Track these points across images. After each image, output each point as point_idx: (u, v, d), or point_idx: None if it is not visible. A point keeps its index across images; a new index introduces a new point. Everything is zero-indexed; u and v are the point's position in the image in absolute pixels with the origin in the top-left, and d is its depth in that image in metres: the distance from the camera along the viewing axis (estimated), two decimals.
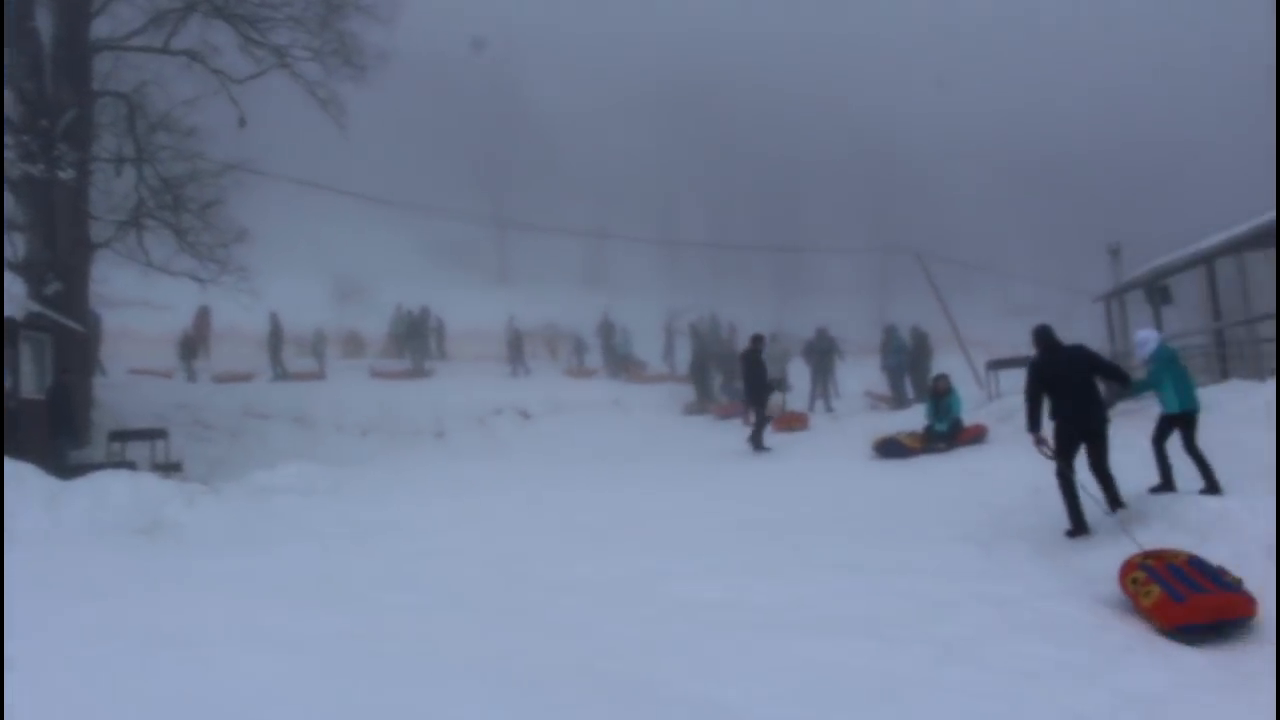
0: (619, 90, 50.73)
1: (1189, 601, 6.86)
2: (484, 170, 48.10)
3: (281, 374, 25.92)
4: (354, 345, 32.75)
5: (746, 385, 18.14)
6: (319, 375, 26.30)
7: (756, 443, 17.14)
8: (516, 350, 28.46)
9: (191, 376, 25.67)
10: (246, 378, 24.89)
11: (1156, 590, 7.07)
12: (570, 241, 42.07)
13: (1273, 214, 15.57)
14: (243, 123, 20.84)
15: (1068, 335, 10.45)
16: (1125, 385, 10.09)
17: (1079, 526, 9.19)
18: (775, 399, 18.69)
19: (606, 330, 30.52)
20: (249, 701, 5.08)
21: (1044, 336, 9.84)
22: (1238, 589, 6.91)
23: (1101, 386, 9.84)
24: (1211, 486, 9.35)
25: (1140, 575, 7.34)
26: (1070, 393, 9.43)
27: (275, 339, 26.56)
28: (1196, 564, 7.28)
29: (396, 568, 9.00)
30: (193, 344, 26.95)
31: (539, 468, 17.08)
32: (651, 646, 6.55)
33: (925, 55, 51.19)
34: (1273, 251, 15.89)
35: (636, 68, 50.51)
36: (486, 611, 7.46)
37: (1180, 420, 9.76)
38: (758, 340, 18.35)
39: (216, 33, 20.52)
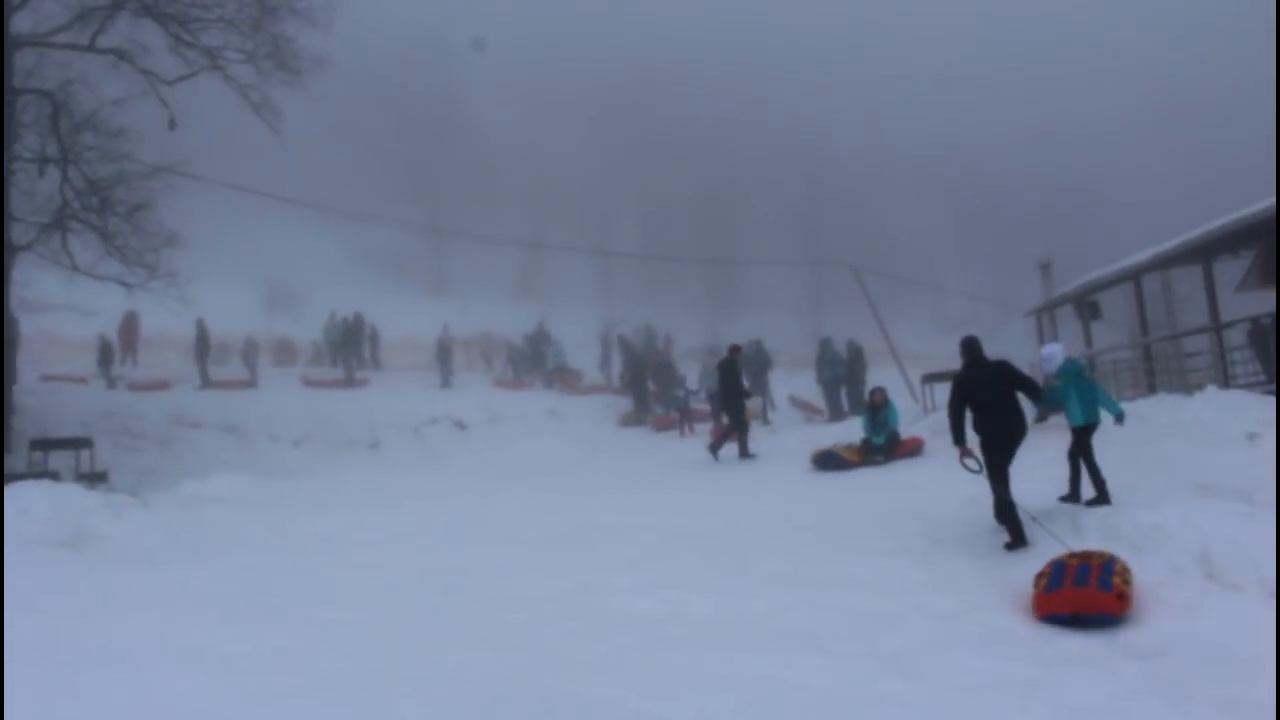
0: (556, 102, 50.78)
1: (1060, 593, 7.34)
2: (420, 179, 47.79)
3: (207, 382, 25.38)
4: (286, 353, 32.23)
5: (724, 394, 18.16)
6: (250, 383, 25.82)
7: (743, 450, 17.17)
8: (445, 360, 28.18)
9: (110, 384, 25.05)
10: (164, 386, 24.27)
11: (1044, 583, 7.57)
12: (506, 251, 41.94)
13: (1184, 237, 16.00)
14: (173, 124, 20.39)
15: (1000, 349, 10.65)
16: (1036, 400, 10.26)
17: (1018, 539, 9.29)
18: (754, 404, 18.74)
19: (540, 340, 30.39)
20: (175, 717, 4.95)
21: (970, 348, 10.01)
22: (1109, 589, 7.24)
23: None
24: (1102, 497, 9.86)
25: (1046, 569, 7.77)
26: (991, 405, 9.63)
27: (202, 346, 26.01)
28: (1107, 565, 7.55)
29: (333, 581, 8.84)
30: (112, 350, 26.30)
31: (476, 479, 16.94)
32: (595, 662, 6.50)
33: (860, 72, 51.79)
34: (1198, 269, 16.29)
35: (574, 81, 50.58)
36: (427, 627, 7.34)
37: (1085, 432, 10.16)
38: (735, 350, 18.41)
39: (146, 32, 20.02)
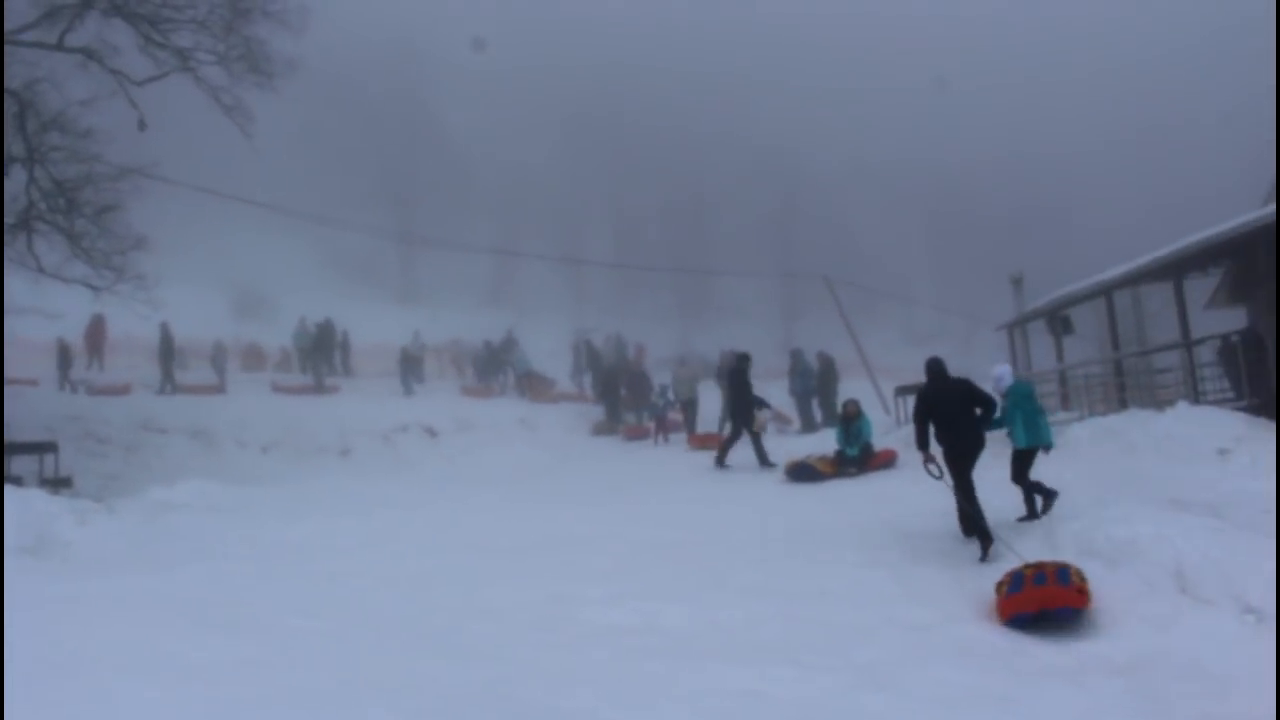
0: (529, 110, 50.73)
1: (1022, 593, 7.53)
2: (392, 185, 47.65)
3: (171, 387, 25.07)
4: (254, 358, 31.95)
5: (733, 403, 18.00)
6: (218, 389, 25.56)
7: (762, 459, 16.92)
8: (408, 367, 28.00)
9: (69, 387, 24.70)
10: (125, 390, 23.97)
11: (1004, 589, 7.75)
12: (476, 259, 41.77)
13: (1146, 260, 16.15)
14: (143, 125, 20.15)
15: (969, 365, 10.83)
16: (986, 420, 10.36)
17: (987, 543, 9.55)
18: (764, 414, 18.60)
19: (507, 347, 30.27)
20: None
21: (934, 368, 10.60)
22: (1068, 584, 7.50)
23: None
24: (1031, 514, 10.25)
25: (1005, 579, 7.94)
26: (951, 420, 10.12)
27: (166, 350, 25.69)
28: (1061, 572, 7.74)
29: (303, 590, 8.72)
30: (70, 354, 25.96)
31: (447, 487, 16.79)
32: (566, 673, 6.44)
33: (834, 84, 52.01)
34: (1169, 285, 16.40)
35: (547, 88, 50.63)
36: (396, 636, 7.24)
37: (1029, 454, 10.37)
38: (744, 359, 18.26)
39: (115, 31, 19.78)
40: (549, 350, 31.43)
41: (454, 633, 7.41)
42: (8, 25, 19.06)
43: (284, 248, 39.73)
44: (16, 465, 16.49)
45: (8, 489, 13.03)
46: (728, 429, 18.77)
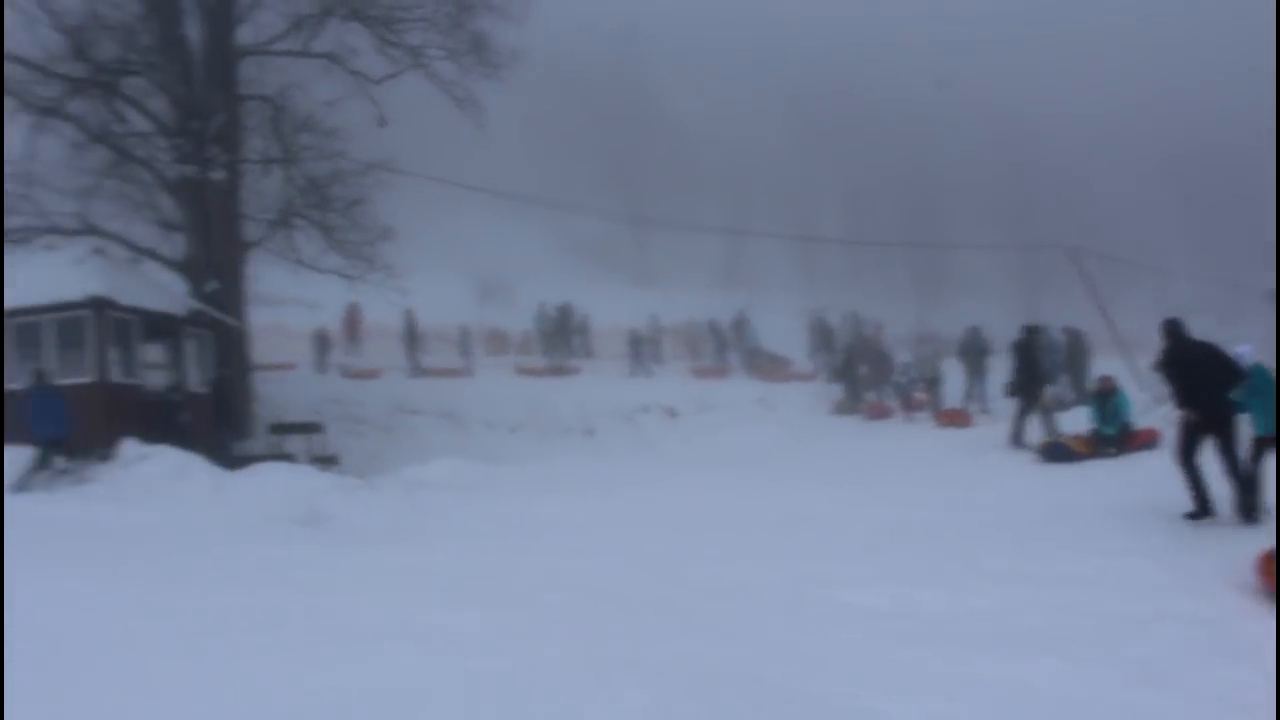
0: (755, 85, 50.24)
1: None
2: (620, 168, 48.13)
3: (417, 371, 26.25)
4: (498, 343, 33.06)
5: (1019, 377, 16.98)
6: (465, 372, 26.57)
7: (1018, 439, 16.32)
8: (641, 349, 28.26)
9: (323, 370, 26.23)
10: (375, 374, 25.27)
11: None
12: (708, 239, 41.76)
13: None
14: (383, 122, 21.27)
15: (1232, 336, 10.09)
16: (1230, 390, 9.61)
17: (1202, 509, 9.27)
18: (1050, 391, 17.72)
19: (740, 327, 30.13)
20: (407, 699, 4.99)
21: (1171, 329, 10.15)
22: None
23: None
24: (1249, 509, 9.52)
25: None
26: (1195, 386, 9.69)
27: (411, 336, 26.97)
28: None
29: (551, 566, 8.87)
30: (329, 340, 27.54)
31: (689, 467, 16.85)
32: (817, 656, 6.22)
33: (1071, 49, 49.11)
34: None
35: (773, 61, 49.87)
36: (644, 613, 7.24)
37: (1266, 443, 9.53)
38: (1034, 331, 17.57)
39: (353, 35, 20.99)
40: (783, 329, 31.11)
41: (702, 611, 7.33)
42: (261, 37, 20.50)
43: (521, 234, 40.88)
44: (289, 444, 17.74)
45: (284, 465, 14.05)
46: (1014, 406, 17.43)
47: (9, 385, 15.77)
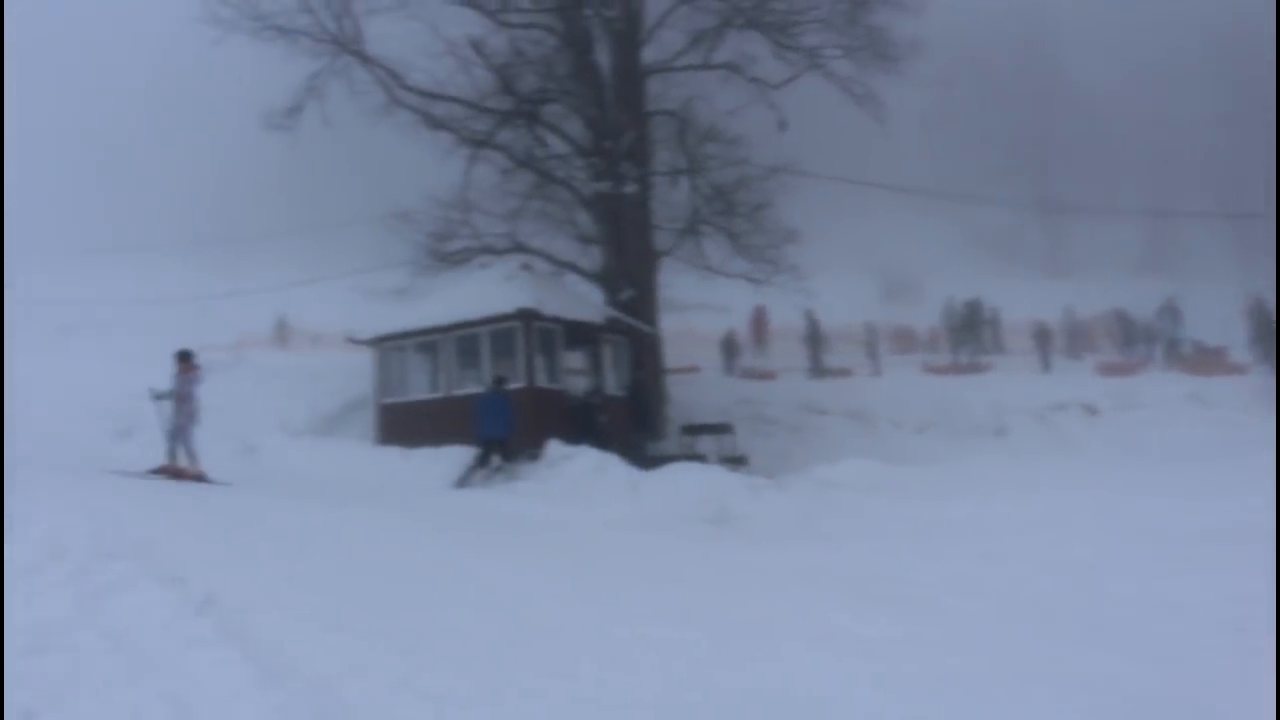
0: (1174, 47, 45.76)
1: None
2: (1028, 154, 45.74)
3: (818, 371, 26.17)
4: (904, 340, 32.38)
5: None
6: (870, 371, 26.22)
7: None
8: (1050, 343, 26.46)
9: (731, 372, 26.74)
10: (771, 376, 25.40)
11: None
12: (1127, 223, 38.67)
13: None
14: (783, 126, 21.54)
15: None
16: None
17: None
18: None
19: (1168, 317, 27.43)
20: (815, 702, 4.91)
21: None
22: None
23: None
24: None
25: None
26: None
27: (814, 336, 26.96)
28: None
29: (961, 571, 8.48)
30: (736, 343, 28.08)
31: (1113, 469, 15.47)
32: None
33: None
34: None
35: (1193, 17, 45.25)
36: (1061, 625, 6.70)
37: None
38: None
39: (751, 43, 21.43)
40: (1216, 318, 27.99)
41: (1129, 627, 6.66)
42: (664, 55, 21.49)
43: (925, 229, 39.93)
44: (700, 444, 18.34)
45: (696, 465, 14.53)
46: None
47: (463, 390, 17.52)
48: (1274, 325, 24.20)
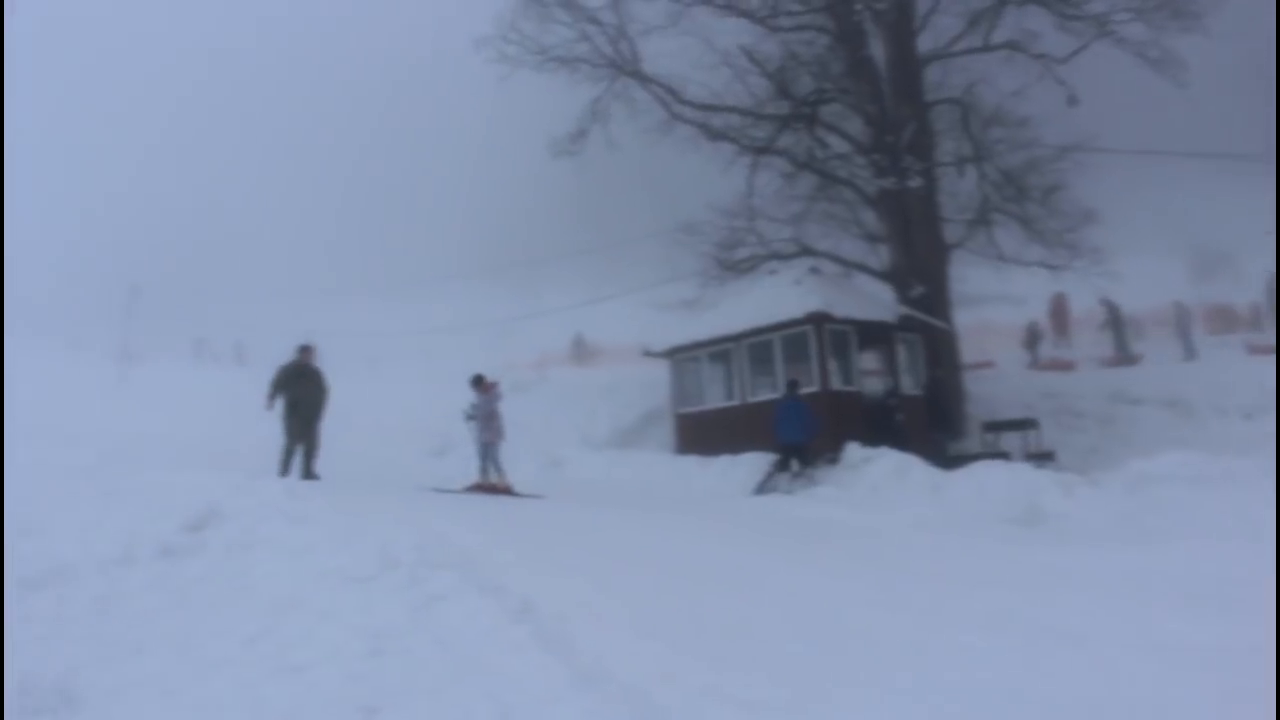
0: None
1: None
2: None
3: (1123, 358, 24.66)
4: (1223, 320, 30.03)
5: None
6: (1185, 355, 24.50)
7: None
8: None
9: (1035, 364, 25.64)
10: (1068, 366, 24.12)
11: None
12: None
13: None
14: (1073, 102, 20.47)
15: None
16: None
17: None
18: None
19: None
20: (1144, 714, 4.69)
21: None
22: None
23: None
24: None
25: None
26: None
27: (1115, 321, 25.47)
28: None
29: None
30: (1039, 334, 26.93)
31: None
32: None
33: None
34: None
35: None
36: None
37: None
38: None
39: (1031, 18, 20.49)
40: None
41: None
42: (940, 41, 20.95)
43: (1239, 197, 36.68)
44: (1003, 441, 17.75)
45: (1000, 464, 14.10)
46: None
47: (758, 397, 17.76)
48: None
